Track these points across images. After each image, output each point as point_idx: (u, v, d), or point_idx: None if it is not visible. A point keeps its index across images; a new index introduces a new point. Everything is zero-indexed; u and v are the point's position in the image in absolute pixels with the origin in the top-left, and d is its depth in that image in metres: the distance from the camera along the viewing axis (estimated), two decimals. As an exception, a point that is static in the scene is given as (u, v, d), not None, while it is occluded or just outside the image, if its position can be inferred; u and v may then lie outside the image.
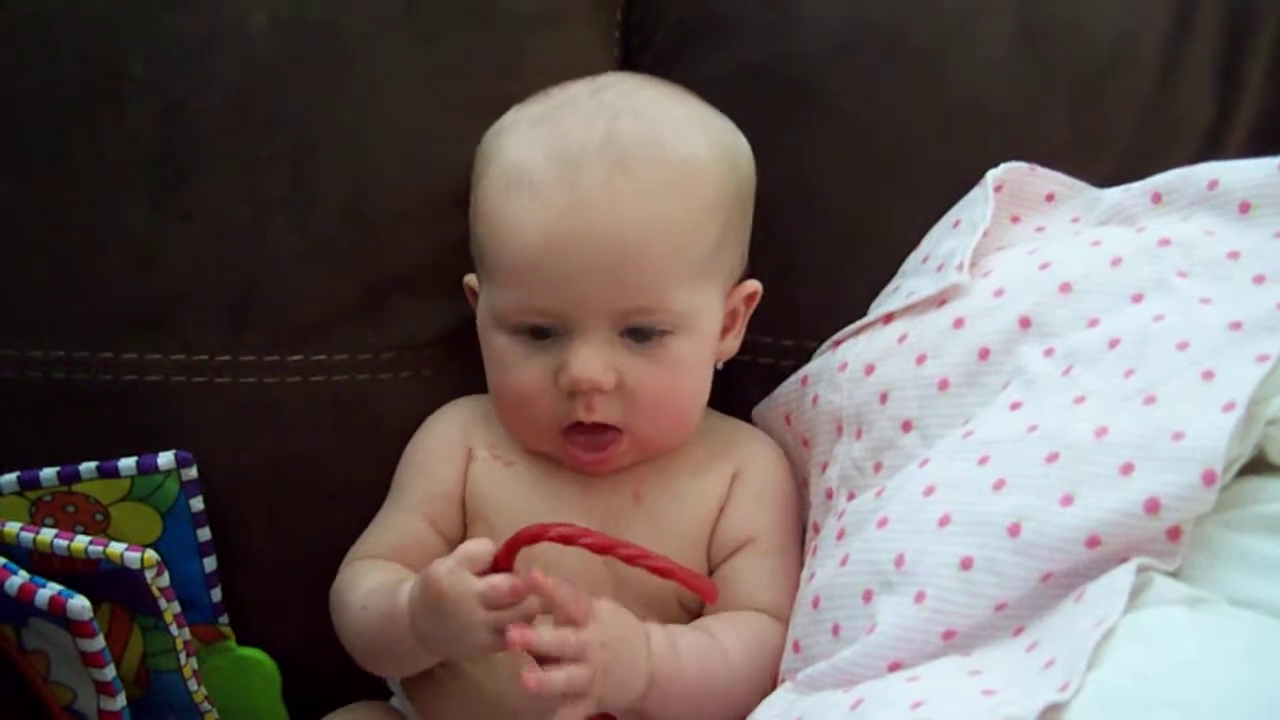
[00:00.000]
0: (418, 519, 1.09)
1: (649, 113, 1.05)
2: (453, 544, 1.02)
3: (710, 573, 1.08)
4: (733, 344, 1.12)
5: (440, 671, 1.07)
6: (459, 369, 1.17)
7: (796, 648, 0.98)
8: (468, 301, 1.13)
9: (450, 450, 1.11)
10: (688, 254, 1.03)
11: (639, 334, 1.03)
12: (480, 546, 0.94)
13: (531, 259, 1.01)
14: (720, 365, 1.12)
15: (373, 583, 1.05)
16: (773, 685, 0.99)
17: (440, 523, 1.09)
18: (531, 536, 0.92)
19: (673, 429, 1.08)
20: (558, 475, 1.09)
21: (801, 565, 1.06)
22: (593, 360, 1.01)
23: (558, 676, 0.90)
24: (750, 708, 0.97)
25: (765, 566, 1.07)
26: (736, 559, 1.08)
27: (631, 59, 1.22)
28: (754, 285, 1.11)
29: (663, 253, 1.01)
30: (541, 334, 1.04)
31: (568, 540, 0.92)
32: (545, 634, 0.91)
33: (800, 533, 1.10)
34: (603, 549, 0.92)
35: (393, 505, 1.12)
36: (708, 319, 1.06)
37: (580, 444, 1.06)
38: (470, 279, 1.12)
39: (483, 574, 0.93)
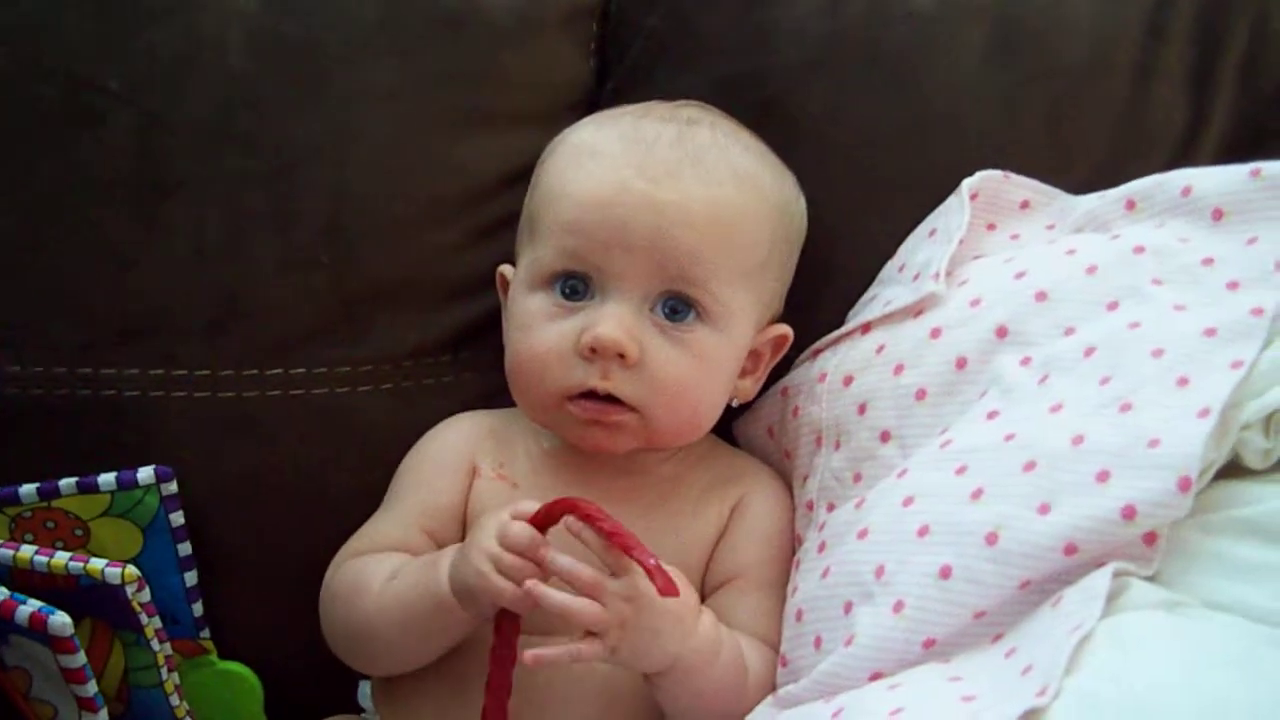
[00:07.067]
0: (414, 532, 1.07)
1: (723, 129, 1.08)
2: None
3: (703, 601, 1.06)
4: (751, 387, 1.12)
5: (411, 687, 1.06)
6: (438, 382, 1.17)
7: (784, 662, 0.98)
8: (462, 309, 1.16)
9: (455, 463, 1.10)
10: (740, 250, 1.04)
11: (675, 310, 1.03)
12: (526, 505, 0.95)
13: (593, 211, 1.02)
14: (735, 404, 1.12)
15: (398, 561, 1.04)
16: None
17: (438, 534, 1.08)
18: (569, 507, 0.94)
19: (686, 422, 1.06)
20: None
21: None
22: (622, 323, 1.01)
23: (565, 600, 0.91)
24: None
25: (749, 601, 1.06)
26: (723, 594, 1.07)
27: (608, 72, 1.23)
28: (784, 329, 1.11)
29: (720, 236, 1.02)
30: (575, 293, 1.03)
31: (587, 518, 0.93)
32: (563, 560, 0.93)
33: None
34: (611, 537, 0.93)
35: (388, 513, 1.10)
36: (740, 328, 1.06)
37: (584, 409, 1.03)
38: (504, 268, 1.12)
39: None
